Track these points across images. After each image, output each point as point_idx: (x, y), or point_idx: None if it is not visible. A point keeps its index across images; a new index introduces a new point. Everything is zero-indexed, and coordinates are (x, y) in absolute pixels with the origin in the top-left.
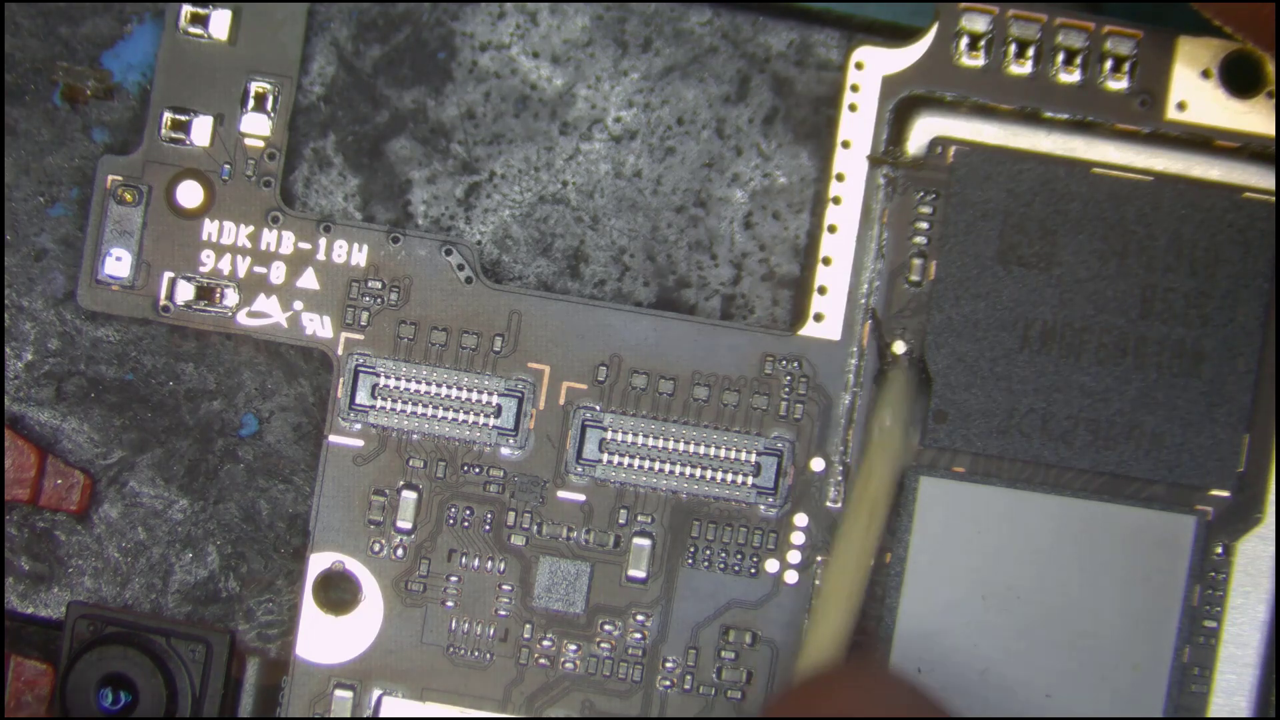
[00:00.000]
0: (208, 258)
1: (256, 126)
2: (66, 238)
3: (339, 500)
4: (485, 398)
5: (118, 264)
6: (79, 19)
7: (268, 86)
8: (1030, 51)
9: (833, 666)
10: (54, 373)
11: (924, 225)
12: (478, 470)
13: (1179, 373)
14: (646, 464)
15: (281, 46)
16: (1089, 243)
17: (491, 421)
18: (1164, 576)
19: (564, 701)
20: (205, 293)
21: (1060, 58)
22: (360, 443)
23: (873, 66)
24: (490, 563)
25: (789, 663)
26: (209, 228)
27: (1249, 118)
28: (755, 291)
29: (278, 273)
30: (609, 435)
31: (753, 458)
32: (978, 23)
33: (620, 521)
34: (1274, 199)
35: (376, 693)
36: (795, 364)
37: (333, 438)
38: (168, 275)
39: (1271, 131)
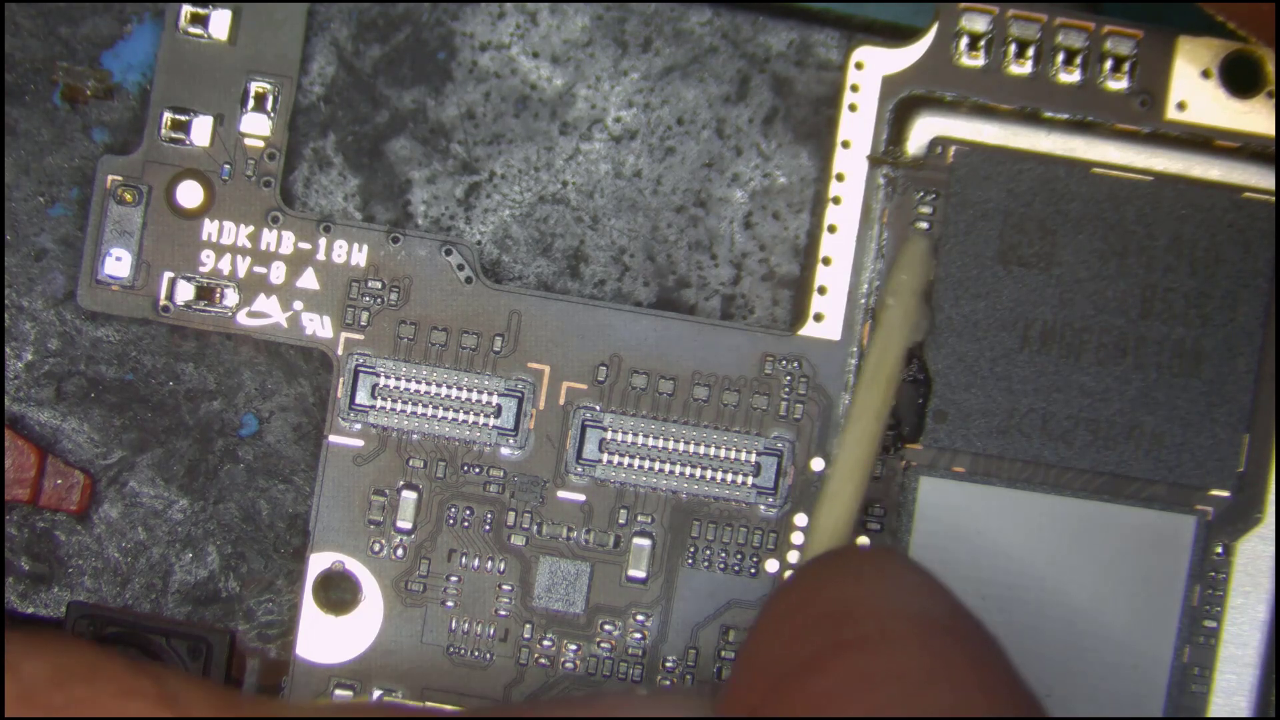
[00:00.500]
0: (208, 258)
1: (256, 126)
2: (66, 238)
3: (339, 500)
4: (485, 398)
5: (118, 264)
6: (79, 19)
7: (268, 86)
8: (1030, 51)
9: (842, 548)
10: (54, 373)
11: (924, 225)
12: (478, 470)
13: (1179, 373)
14: (646, 464)
15: (281, 46)
16: (1089, 243)
17: (491, 421)
18: (1164, 576)
19: None
20: (205, 293)
21: (1060, 58)
22: (360, 443)
23: (873, 66)
24: (490, 563)
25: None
26: (209, 228)
27: (1249, 118)
28: (755, 291)
29: (278, 273)
30: (609, 435)
31: (753, 458)
32: (978, 23)
33: (620, 521)
34: (1274, 199)
35: (376, 693)
36: (795, 364)
37: (333, 438)
38: (168, 275)
39: (1271, 131)
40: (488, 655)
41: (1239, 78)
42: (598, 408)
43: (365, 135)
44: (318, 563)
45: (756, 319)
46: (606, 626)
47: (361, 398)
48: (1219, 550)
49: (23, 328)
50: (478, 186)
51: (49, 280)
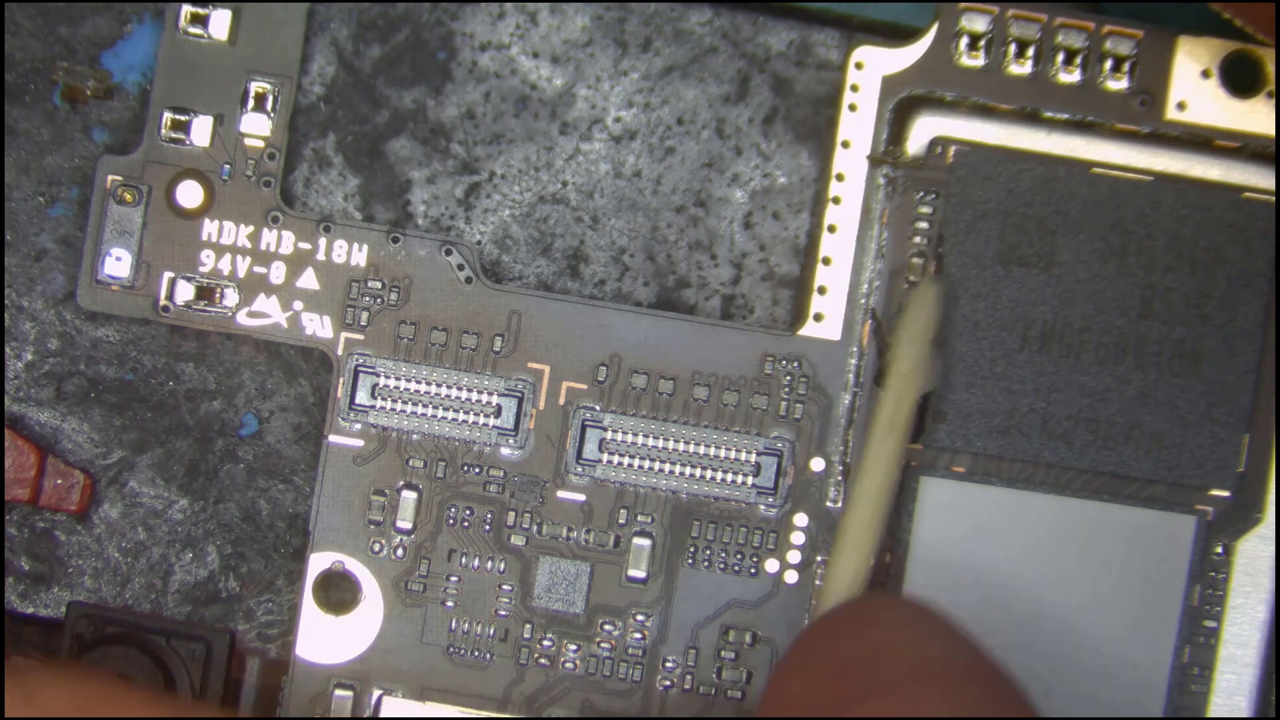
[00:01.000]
0: (208, 258)
1: (256, 126)
2: (66, 238)
3: (339, 500)
4: (485, 398)
5: (118, 264)
6: (79, 19)
7: (268, 86)
8: (1030, 51)
9: (861, 598)
10: (54, 373)
11: (924, 225)
12: (478, 470)
13: (1179, 373)
14: (646, 464)
15: (281, 46)
16: (1089, 243)
17: (491, 421)
18: (1164, 576)
19: (564, 701)
20: (205, 293)
21: (1060, 58)
22: (360, 443)
23: (873, 66)
24: (490, 563)
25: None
26: (209, 228)
27: (1249, 118)
28: (755, 291)
29: (278, 273)
30: (609, 435)
31: (753, 458)
32: (978, 23)
33: (620, 521)
34: (1274, 199)
35: (376, 693)
36: (795, 364)
37: (333, 438)
38: (168, 275)
39: (1271, 131)
40: (488, 655)
41: (1239, 78)
42: (598, 408)
43: (365, 135)
44: (318, 563)
45: (756, 319)
46: (606, 626)
47: (361, 398)
48: (1219, 550)
49: (23, 328)
50: (478, 186)
51: (49, 280)
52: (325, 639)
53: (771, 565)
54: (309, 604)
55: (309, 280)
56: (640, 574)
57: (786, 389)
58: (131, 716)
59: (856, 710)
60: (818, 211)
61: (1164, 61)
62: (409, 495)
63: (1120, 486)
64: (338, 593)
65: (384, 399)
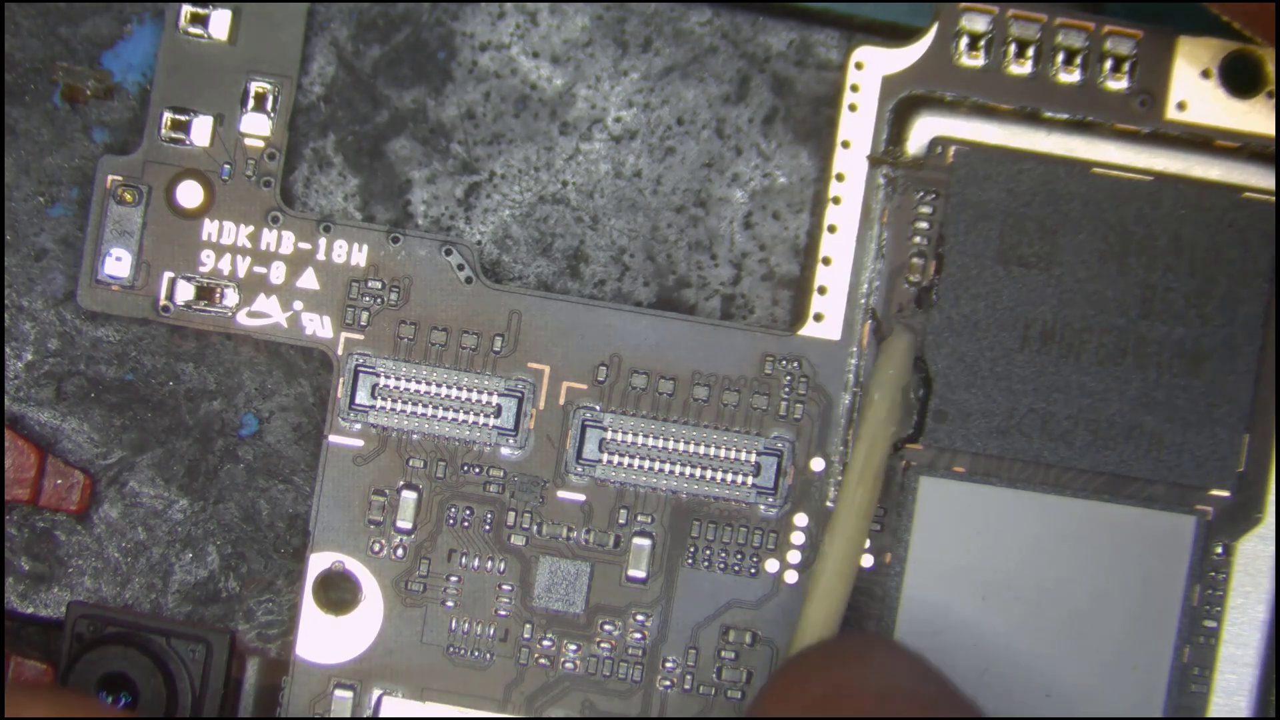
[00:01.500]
0: (208, 258)
1: (256, 126)
2: (66, 238)
3: (339, 500)
4: (485, 398)
5: (118, 264)
6: (79, 19)
7: (268, 86)
8: (1030, 51)
9: (831, 638)
10: (54, 373)
11: (924, 225)
12: (478, 470)
13: (1179, 373)
14: (646, 464)
15: (281, 46)
16: (1089, 243)
17: (491, 421)
18: (1164, 576)
19: (564, 701)
20: (205, 293)
21: (1060, 58)
22: (360, 443)
23: (873, 66)
24: (490, 563)
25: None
26: (209, 228)
27: (1249, 118)
28: (755, 291)
29: (278, 273)
30: (609, 435)
31: (753, 458)
32: (978, 23)
33: (620, 521)
34: (1274, 199)
35: (376, 693)
36: (795, 364)
37: (333, 438)
38: (168, 275)
39: (1271, 131)
40: (488, 655)
41: (1239, 78)
42: (598, 408)
43: (365, 135)
44: (318, 563)
45: (756, 319)
46: (606, 626)
47: (361, 398)
48: (1219, 550)
49: (23, 328)
50: (478, 186)
51: (49, 280)
52: (325, 639)
53: (771, 565)
54: (309, 604)
55: (309, 280)
56: (640, 574)
57: (786, 389)
58: None
59: None
60: (818, 211)
61: (1164, 61)
62: (409, 495)
63: (1120, 486)
64: (338, 593)
65: (384, 399)
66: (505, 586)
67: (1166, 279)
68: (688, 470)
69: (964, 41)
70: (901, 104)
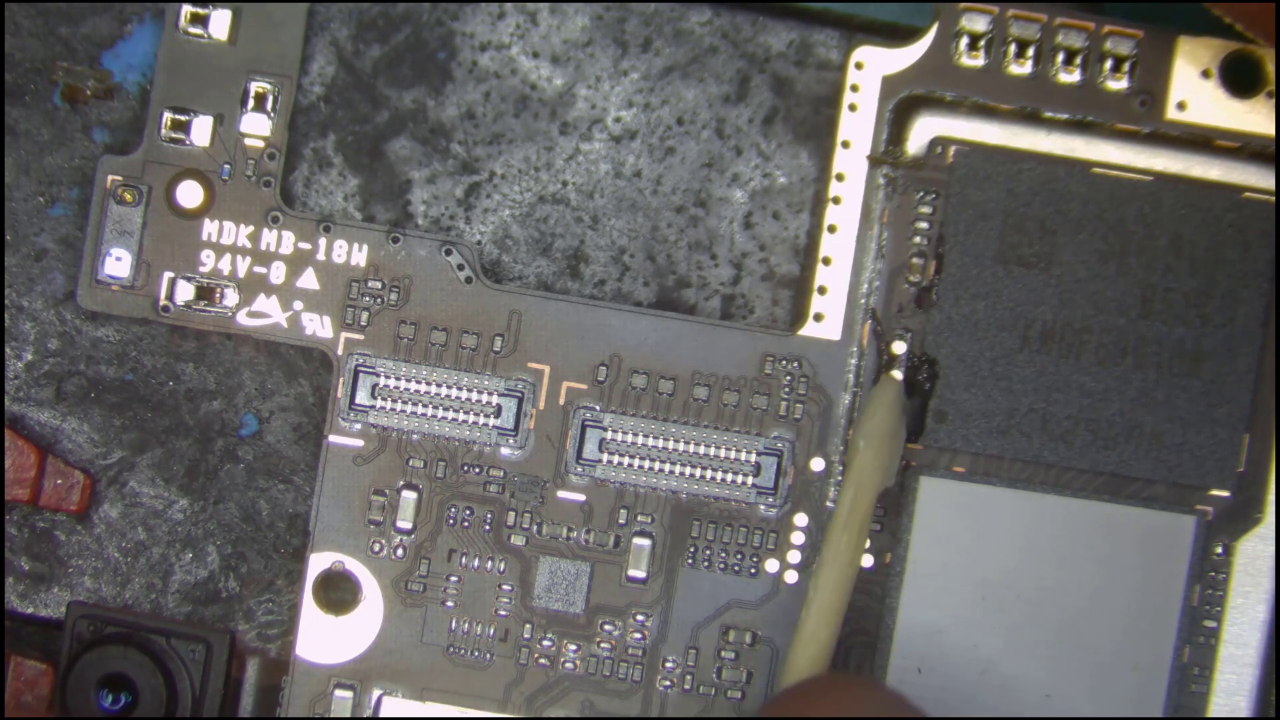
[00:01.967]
0: (208, 258)
1: (256, 126)
2: (66, 238)
3: (339, 500)
4: (485, 398)
5: (118, 264)
6: (79, 19)
7: (268, 86)
8: (1030, 51)
9: (819, 675)
10: (54, 373)
11: (924, 225)
12: (478, 470)
13: (1179, 373)
14: (646, 464)
15: (281, 46)
16: (1089, 243)
17: (491, 421)
18: (1164, 576)
19: (564, 701)
20: (205, 293)
21: (1060, 58)
22: (360, 443)
23: (873, 66)
24: (490, 563)
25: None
26: (209, 228)
27: (1249, 118)
28: (755, 291)
29: (278, 273)
30: (609, 435)
31: (753, 458)
32: (978, 23)
33: (620, 521)
34: (1274, 199)
35: (376, 693)
36: (795, 364)
37: (333, 438)
38: (168, 275)
39: (1271, 131)
40: (488, 655)
41: (1239, 78)
42: (598, 408)
43: (365, 135)
44: (318, 563)
45: (756, 319)
46: (606, 626)
47: (361, 398)
48: (1219, 550)
49: (23, 328)
50: (478, 186)
51: (49, 280)
52: (325, 639)
53: (772, 565)
54: (309, 604)
55: (309, 280)
56: (640, 574)
57: (786, 389)
58: None
59: None
60: (818, 211)
61: (1164, 61)
62: (409, 495)
63: (1120, 486)
64: (338, 593)
65: (384, 399)
66: (505, 586)
67: (1166, 279)
68: (688, 470)
69: (964, 41)
70: (901, 104)
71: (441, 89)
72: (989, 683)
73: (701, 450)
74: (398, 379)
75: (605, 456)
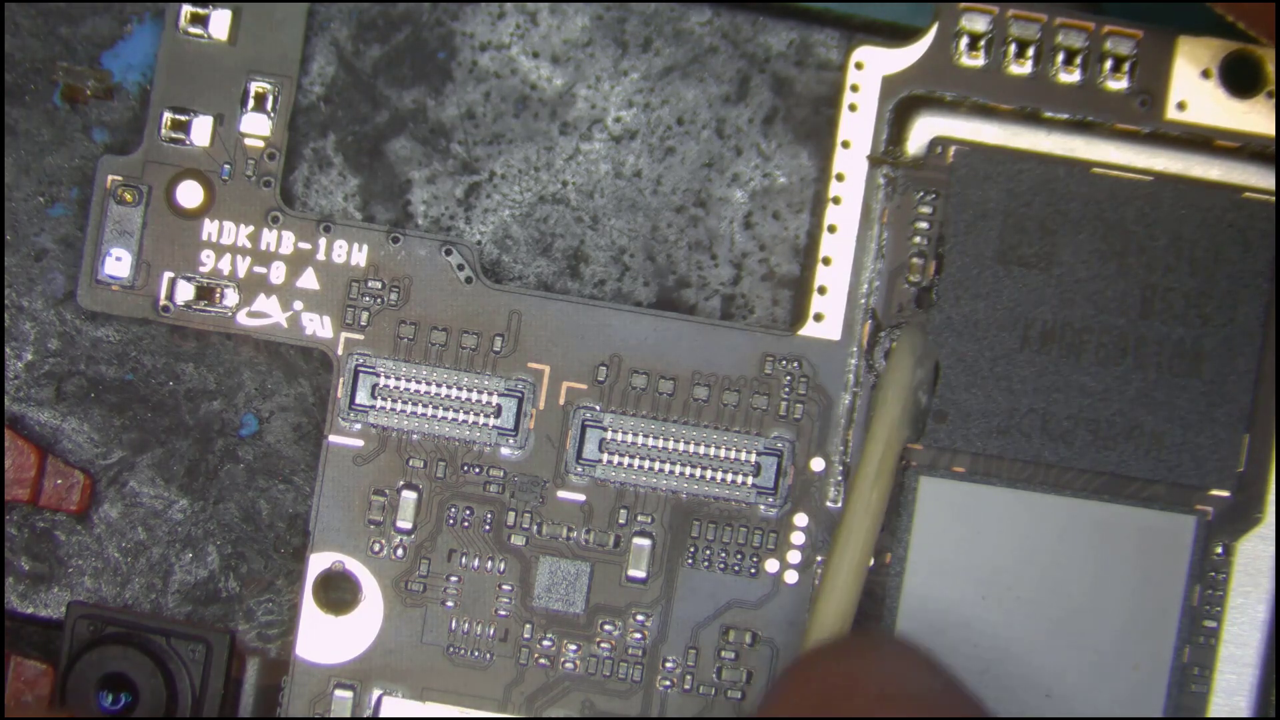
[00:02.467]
0: (208, 258)
1: (256, 126)
2: (66, 238)
3: (339, 500)
4: (485, 398)
5: (118, 264)
6: (79, 19)
7: (268, 86)
8: (1030, 51)
9: (839, 636)
10: (54, 373)
11: (924, 225)
12: (478, 470)
13: (1179, 373)
14: (646, 464)
15: (281, 46)
16: (1089, 243)
17: (491, 421)
18: (1164, 576)
19: (564, 701)
20: (205, 293)
21: (1060, 58)
22: (360, 443)
23: (873, 66)
24: (490, 563)
25: (789, 662)
26: (209, 228)
27: (1249, 118)
28: (755, 291)
29: (278, 273)
30: (609, 435)
31: (753, 458)
32: (978, 23)
33: (620, 521)
34: (1274, 199)
35: (376, 693)
36: (795, 364)
37: (333, 438)
38: (168, 275)
39: (1271, 131)
40: (488, 655)
41: (1239, 78)
42: (598, 408)
43: (365, 135)
44: (318, 563)
45: (756, 319)
46: (606, 626)
47: (361, 398)
48: (1219, 550)
49: (23, 328)
50: (478, 186)
51: (49, 280)
52: (325, 639)
53: (772, 565)
54: (309, 604)
55: (309, 280)
56: (640, 574)
57: (786, 389)
58: None
59: None
60: (818, 211)
61: (1164, 61)
62: (409, 495)
63: (1120, 486)
64: (338, 593)
65: (384, 399)
66: (505, 586)
67: (1166, 279)
68: (688, 470)
69: (964, 41)
70: (901, 104)
71: (441, 89)
72: (989, 682)
73: (701, 450)
74: (398, 379)
75: (605, 456)
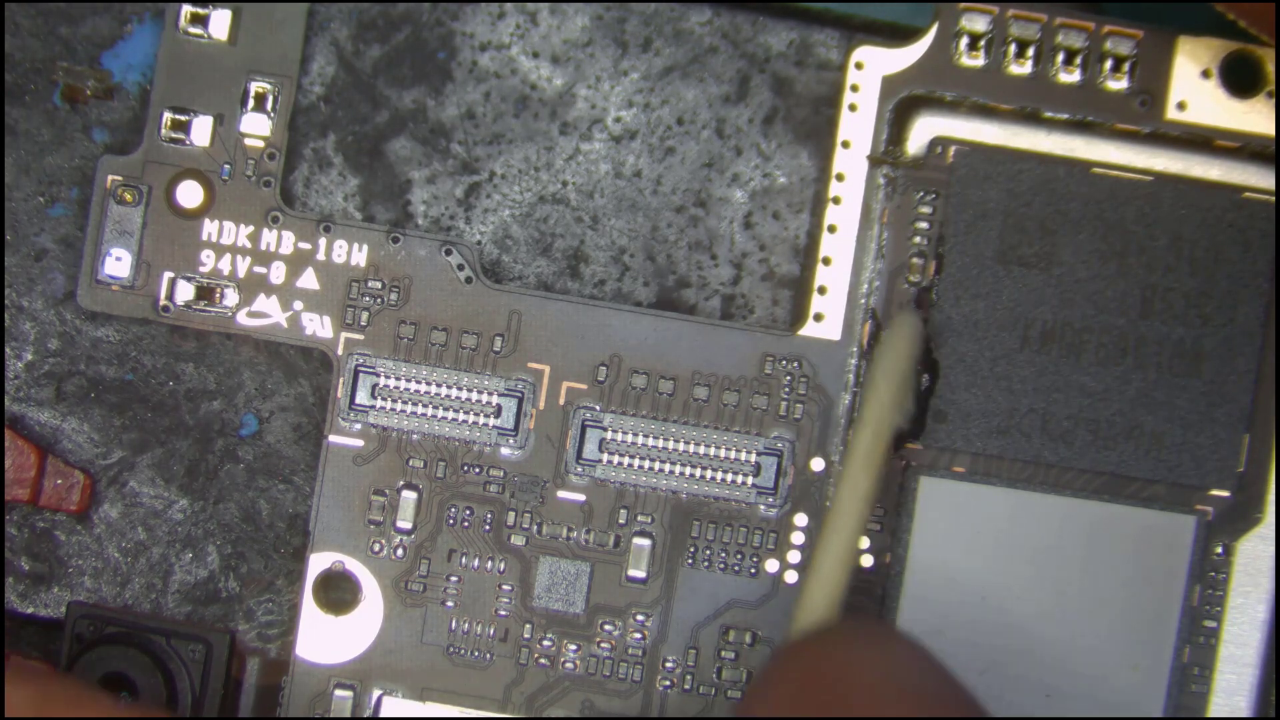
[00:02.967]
0: (208, 258)
1: (256, 126)
2: (66, 238)
3: (339, 500)
4: (485, 398)
5: (118, 264)
6: (79, 19)
7: (268, 86)
8: (1030, 51)
9: (833, 623)
10: (54, 373)
11: (924, 225)
12: (478, 470)
13: (1179, 373)
14: (646, 464)
15: (281, 46)
16: (1089, 243)
17: (491, 421)
18: (1164, 576)
19: (564, 701)
20: (205, 293)
21: (1060, 58)
22: (360, 443)
23: (873, 66)
24: (490, 563)
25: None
26: (209, 228)
27: (1249, 118)
28: (755, 291)
29: (278, 273)
30: (609, 435)
31: (753, 458)
32: (978, 23)
33: (620, 521)
34: (1274, 199)
35: (376, 693)
36: (795, 364)
37: (333, 438)
38: (168, 275)
39: (1271, 131)
40: (488, 655)
41: (1239, 78)
42: (598, 408)
43: (365, 135)
44: (318, 563)
45: (756, 319)
46: (606, 626)
47: (361, 398)
48: (1219, 550)
49: (23, 328)
50: (478, 186)
51: (49, 280)
52: (325, 639)
53: (771, 565)
54: (309, 604)
55: (309, 280)
56: (640, 574)
57: (786, 389)
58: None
59: None
60: (818, 211)
61: (1164, 61)
62: (409, 495)
63: (1120, 486)
64: (338, 593)
65: (384, 399)
66: (505, 586)
67: (1166, 279)
68: (688, 470)
69: (964, 41)
70: (901, 104)
71: (441, 89)
72: (989, 682)
73: (701, 450)
74: (398, 379)
75: (605, 456)
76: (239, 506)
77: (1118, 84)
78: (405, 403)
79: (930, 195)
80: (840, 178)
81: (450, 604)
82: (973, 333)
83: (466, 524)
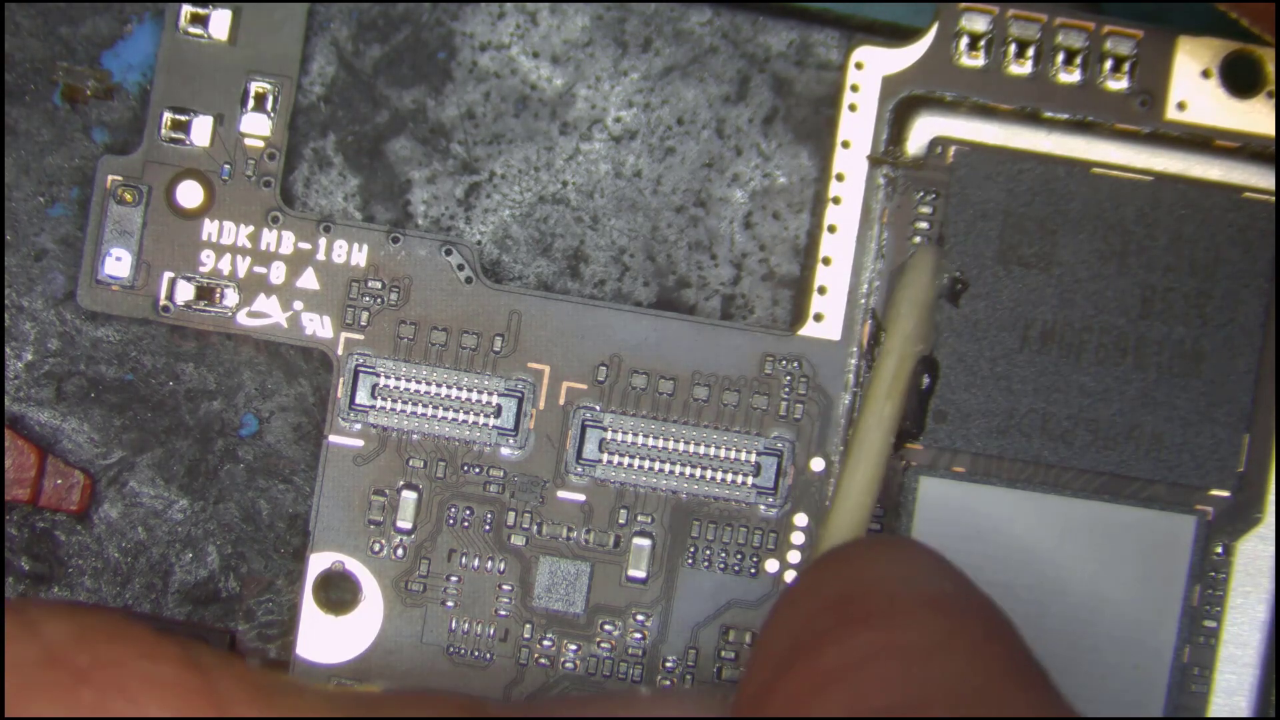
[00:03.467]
0: (208, 258)
1: (256, 126)
2: (66, 238)
3: (339, 500)
4: (485, 398)
5: (118, 264)
6: (79, 19)
7: (268, 86)
8: (1030, 51)
9: (846, 541)
10: (54, 373)
11: (924, 225)
12: (478, 470)
13: (1179, 373)
14: (646, 464)
15: (281, 46)
16: (1089, 243)
17: (491, 421)
18: (1164, 576)
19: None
20: (205, 293)
21: (1060, 58)
22: (360, 443)
23: (873, 66)
24: (490, 563)
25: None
26: (209, 228)
27: (1249, 118)
28: (755, 291)
29: (278, 273)
30: (609, 435)
31: (753, 458)
32: (978, 23)
33: (620, 521)
34: (1274, 199)
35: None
36: (795, 364)
37: (333, 438)
38: (168, 275)
39: (1271, 131)
40: (488, 655)
41: (1239, 78)
42: (598, 408)
43: (365, 135)
44: (318, 563)
45: (756, 319)
46: (606, 626)
47: (361, 398)
48: (1219, 550)
49: (23, 328)
50: (478, 186)
51: (49, 280)
52: (325, 639)
53: (772, 565)
54: (309, 604)
55: (309, 280)
56: (640, 574)
57: (786, 389)
58: (133, 649)
59: (837, 639)
60: (818, 211)
61: (1164, 61)
62: (409, 495)
63: (1120, 486)
64: (338, 593)
65: (384, 399)
66: (505, 586)
67: (1166, 279)
68: (688, 470)
69: (964, 41)
70: (901, 104)
71: (441, 89)
72: None
73: (701, 450)
74: (398, 379)
75: (605, 456)
76: (239, 506)
77: (1118, 84)
78: (405, 403)
79: (930, 195)
80: (840, 178)
81: (450, 604)
82: (973, 333)
83: (466, 524)
